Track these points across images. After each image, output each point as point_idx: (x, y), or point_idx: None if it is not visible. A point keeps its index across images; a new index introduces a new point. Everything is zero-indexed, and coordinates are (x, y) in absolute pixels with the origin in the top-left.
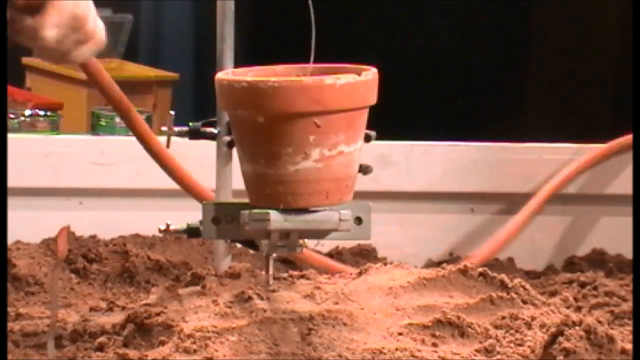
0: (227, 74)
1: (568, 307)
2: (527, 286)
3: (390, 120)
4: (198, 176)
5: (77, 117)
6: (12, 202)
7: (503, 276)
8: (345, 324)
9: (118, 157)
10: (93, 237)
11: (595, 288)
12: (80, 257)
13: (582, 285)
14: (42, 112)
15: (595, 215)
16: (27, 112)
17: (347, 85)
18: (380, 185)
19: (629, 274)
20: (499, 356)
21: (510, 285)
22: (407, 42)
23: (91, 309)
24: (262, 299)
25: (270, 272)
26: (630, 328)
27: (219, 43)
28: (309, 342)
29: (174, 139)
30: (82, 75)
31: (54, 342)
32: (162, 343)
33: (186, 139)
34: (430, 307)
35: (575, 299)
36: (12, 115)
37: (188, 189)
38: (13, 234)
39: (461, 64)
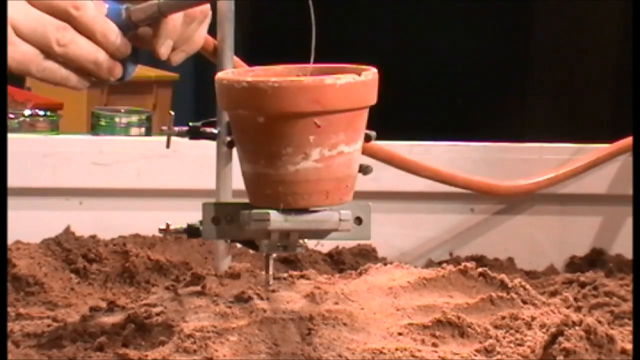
0: (227, 74)
1: (568, 307)
2: (527, 286)
3: (390, 120)
4: (198, 176)
5: (77, 117)
6: (12, 202)
7: (503, 276)
8: (345, 324)
9: (118, 157)
10: (93, 237)
11: (595, 288)
12: (80, 257)
13: (582, 285)
14: (41, 112)
15: (595, 215)
16: (27, 112)
17: (347, 85)
18: (380, 185)
19: (629, 274)
20: (499, 356)
21: (510, 285)
22: (407, 42)
23: (91, 309)
24: (262, 299)
25: (270, 272)
26: (630, 328)
27: (219, 43)
28: (309, 342)
29: (174, 139)
30: None
31: None
32: (162, 343)
33: (186, 139)
34: (430, 307)
35: (575, 299)
36: (12, 115)
37: None
38: (13, 234)
39: (461, 64)
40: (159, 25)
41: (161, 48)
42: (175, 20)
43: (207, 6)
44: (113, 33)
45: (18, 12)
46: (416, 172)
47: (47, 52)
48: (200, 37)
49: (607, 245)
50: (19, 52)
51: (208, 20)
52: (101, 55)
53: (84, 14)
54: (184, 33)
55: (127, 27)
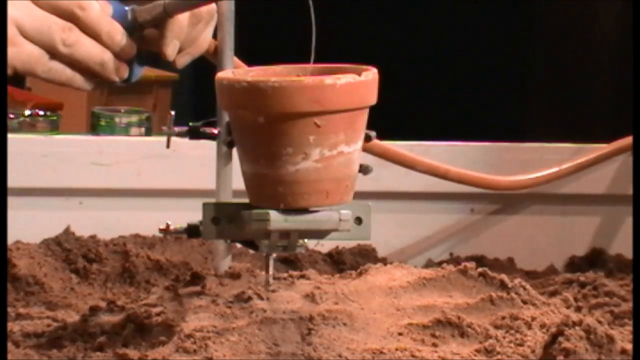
0: (227, 74)
1: (568, 307)
2: (527, 286)
3: (390, 120)
4: (198, 176)
5: (77, 117)
6: (12, 202)
7: (503, 276)
8: (345, 324)
9: (118, 157)
10: (93, 237)
11: (595, 288)
12: (80, 257)
13: (582, 285)
14: (42, 112)
15: (595, 215)
16: (27, 112)
17: (347, 85)
18: (380, 185)
19: (629, 274)
20: (499, 356)
21: (510, 285)
22: (407, 42)
23: (91, 309)
24: (262, 299)
25: (270, 272)
26: (630, 328)
27: (219, 43)
28: (309, 342)
29: (174, 139)
30: None
31: None
32: (162, 343)
33: (186, 139)
34: (430, 307)
35: (575, 299)
36: (12, 115)
37: None
38: (13, 234)
39: (461, 63)
40: (165, 25)
41: (167, 48)
42: (182, 20)
43: (214, 7)
44: (119, 33)
45: (23, 12)
46: (412, 166)
47: (53, 53)
48: (205, 39)
49: (607, 245)
50: (24, 52)
51: (214, 22)
52: (107, 56)
53: (89, 14)
54: (190, 34)
55: (132, 28)
